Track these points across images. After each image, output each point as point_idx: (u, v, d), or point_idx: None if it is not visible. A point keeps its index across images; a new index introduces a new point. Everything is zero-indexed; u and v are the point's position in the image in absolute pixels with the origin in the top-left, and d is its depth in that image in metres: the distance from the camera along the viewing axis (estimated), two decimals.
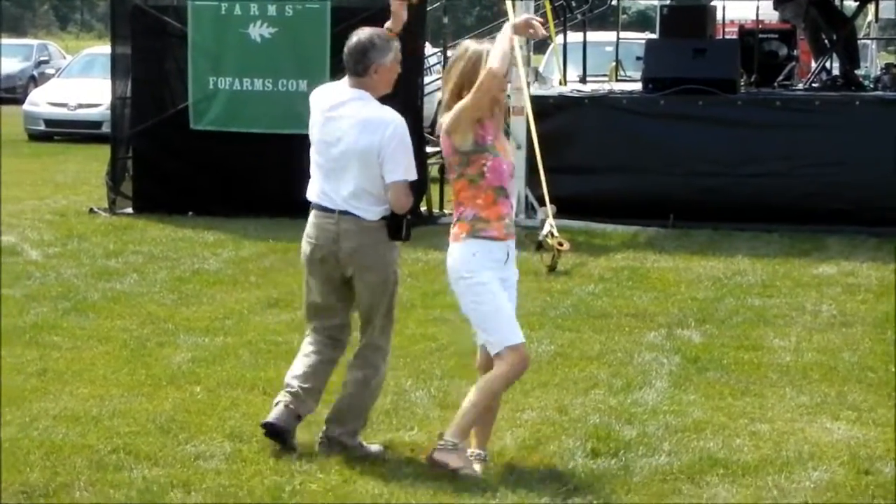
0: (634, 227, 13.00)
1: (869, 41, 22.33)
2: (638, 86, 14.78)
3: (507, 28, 6.08)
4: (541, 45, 20.82)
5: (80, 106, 23.56)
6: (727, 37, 18.58)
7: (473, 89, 5.93)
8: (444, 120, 6.04)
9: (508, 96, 10.13)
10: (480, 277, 5.97)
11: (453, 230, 6.10)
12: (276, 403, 6.35)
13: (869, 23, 22.32)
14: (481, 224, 6.00)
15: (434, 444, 6.07)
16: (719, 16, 17.23)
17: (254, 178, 13.87)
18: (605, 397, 7.31)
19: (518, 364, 6.03)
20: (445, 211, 13.77)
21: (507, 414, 6.75)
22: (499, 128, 6.15)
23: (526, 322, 6.93)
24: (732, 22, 19.94)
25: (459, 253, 6.03)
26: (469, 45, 6.13)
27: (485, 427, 6.20)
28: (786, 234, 12.69)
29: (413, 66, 13.74)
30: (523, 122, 12.59)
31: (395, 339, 8.45)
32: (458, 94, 6.01)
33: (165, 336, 8.69)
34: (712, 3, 17.80)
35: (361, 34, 6.36)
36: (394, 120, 6.22)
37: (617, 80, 17.73)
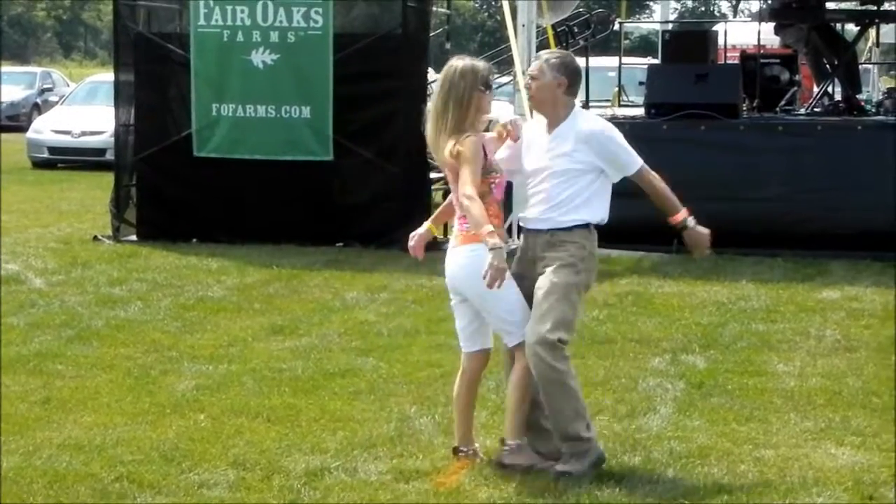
0: (639, 253, 13.02)
1: (870, 66, 22.36)
2: (641, 111, 14.80)
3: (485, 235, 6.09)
4: None
5: (84, 133, 23.61)
6: (729, 62, 18.60)
7: (464, 164, 6.10)
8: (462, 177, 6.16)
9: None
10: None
11: (459, 237, 6.33)
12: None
13: (870, 47, 22.36)
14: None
15: (500, 451, 6.37)
16: (721, 41, 17.25)
17: (257, 204, 13.88)
18: (609, 423, 7.29)
19: None
20: (449, 237, 13.75)
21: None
22: (491, 139, 6.39)
23: None
24: (734, 47, 19.97)
25: (479, 252, 6.16)
26: (454, 62, 6.29)
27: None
28: (789, 259, 12.68)
29: (417, 93, 13.79)
30: None
31: (399, 366, 8.56)
32: (443, 109, 6.20)
33: (169, 364, 8.68)
34: (714, 29, 17.85)
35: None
36: None
37: (620, 106, 17.74)
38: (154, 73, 14.33)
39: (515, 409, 6.35)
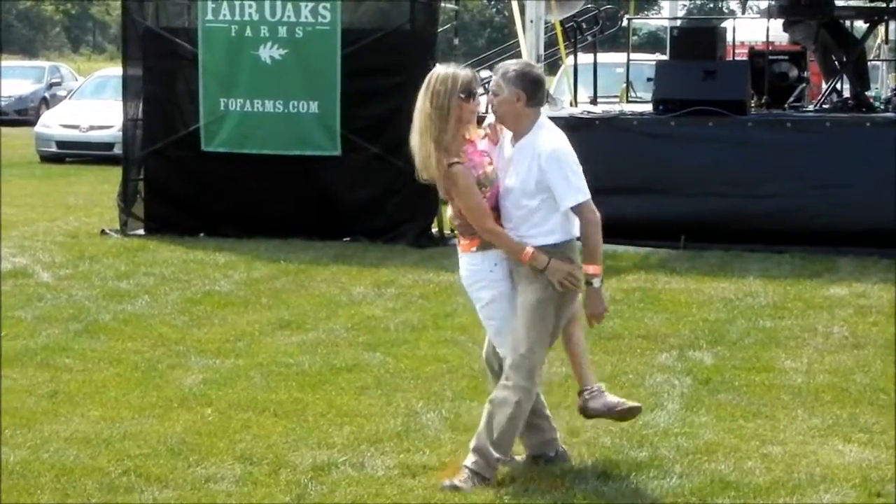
0: (646, 249, 13.00)
1: (879, 62, 22.27)
2: (649, 107, 14.75)
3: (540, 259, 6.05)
4: (552, 66, 20.85)
5: (92, 128, 23.59)
6: (737, 58, 18.57)
7: (462, 198, 6.03)
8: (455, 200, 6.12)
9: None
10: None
11: (463, 242, 6.27)
12: None
13: (879, 44, 22.28)
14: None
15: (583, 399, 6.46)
16: (729, 37, 17.20)
17: (265, 199, 13.88)
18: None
19: None
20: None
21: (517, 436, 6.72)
22: (476, 145, 6.20)
23: None
24: (742, 43, 19.92)
25: (476, 264, 6.19)
26: (436, 69, 6.18)
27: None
28: (797, 256, 12.65)
29: None
30: None
31: (406, 361, 8.56)
32: (424, 118, 6.07)
33: (176, 358, 8.69)
34: (722, 25, 17.79)
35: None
36: None
37: (628, 102, 17.73)
38: (162, 67, 14.33)
39: (579, 362, 6.43)
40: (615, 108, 15.50)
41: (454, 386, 7.94)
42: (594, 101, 16.23)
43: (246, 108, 13.89)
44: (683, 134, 13.59)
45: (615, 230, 12.78)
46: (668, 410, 7.46)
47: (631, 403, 6.51)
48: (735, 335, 9.48)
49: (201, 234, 13.89)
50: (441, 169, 6.07)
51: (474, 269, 6.24)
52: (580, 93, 16.12)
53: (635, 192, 13.43)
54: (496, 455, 6.15)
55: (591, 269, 6.14)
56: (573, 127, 13.87)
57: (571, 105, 15.62)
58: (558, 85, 20.49)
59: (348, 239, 13.48)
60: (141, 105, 14.45)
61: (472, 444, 6.23)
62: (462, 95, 6.05)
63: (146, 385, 7.98)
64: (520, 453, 6.51)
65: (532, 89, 6.12)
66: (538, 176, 6.06)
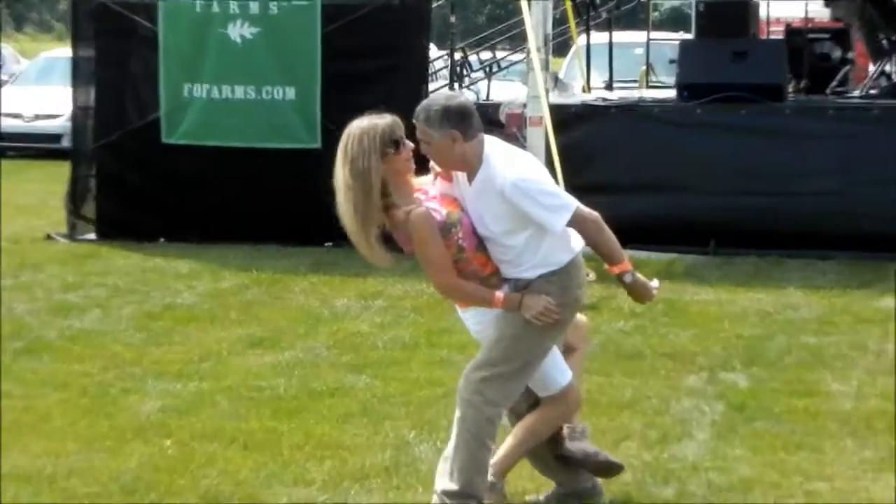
0: (670, 255, 13.02)
1: None
2: (672, 93, 14.79)
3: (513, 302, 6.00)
4: (562, 48, 20.82)
5: (38, 117, 23.70)
6: (772, 37, 18.58)
7: (421, 250, 5.95)
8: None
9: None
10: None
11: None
12: None
13: None
14: (494, 280, 6.08)
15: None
16: (763, 13, 17.23)
17: (234, 199, 13.88)
18: (638, 451, 7.25)
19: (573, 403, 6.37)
20: None
21: (529, 470, 6.68)
22: (427, 192, 6.07)
23: None
24: (778, 20, 19.98)
25: (483, 310, 6.15)
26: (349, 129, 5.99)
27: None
28: (844, 262, 12.64)
29: (416, 73, 13.74)
30: (541, 135, 12.53)
31: (396, 384, 8.52)
32: (350, 194, 5.94)
33: (132, 381, 8.65)
34: None
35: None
36: None
37: (648, 87, 17.74)
38: (117, 48, 14.33)
39: (515, 445, 6.35)
40: (633, 95, 15.49)
41: (450, 413, 7.79)
42: (609, 87, 16.24)
43: (213, 95, 13.88)
44: (712, 123, 13.62)
45: (635, 234, 12.81)
46: (698, 441, 7.42)
47: (613, 459, 6.48)
48: (773, 354, 9.45)
49: (161, 239, 13.91)
50: (397, 225, 5.96)
51: (483, 318, 6.16)
52: (594, 77, 16.12)
53: (657, 191, 13.43)
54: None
55: (615, 269, 6.12)
56: (585, 116, 13.96)
57: (584, 91, 15.60)
58: (569, 68, 20.51)
59: (330, 244, 13.43)
60: (93, 91, 14.46)
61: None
62: (389, 150, 5.90)
63: (96, 413, 7.93)
64: (544, 487, 6.49)
65: (464, 122, 5.96)
66: (510, 212, 5.96)
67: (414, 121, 5.96)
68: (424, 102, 6.04)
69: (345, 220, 6.01)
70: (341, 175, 5.97)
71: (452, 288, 6.06)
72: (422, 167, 6.12)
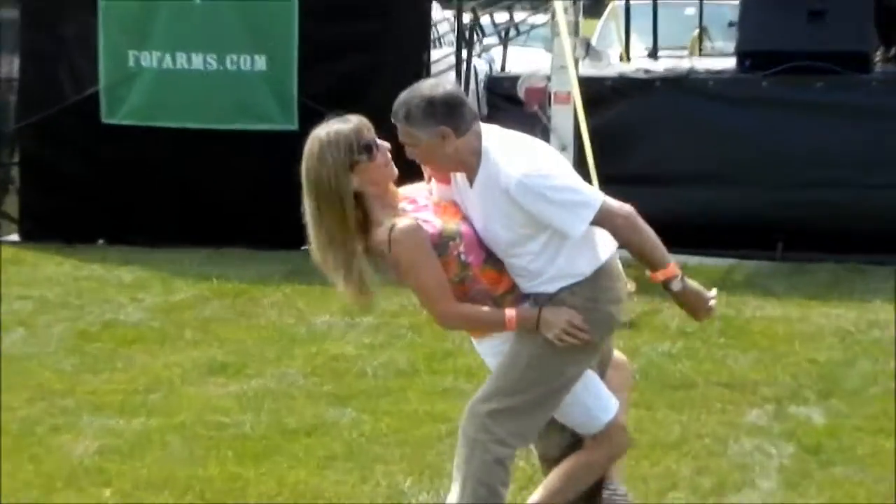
0: (728, 260, 13.05)
1: None
2: (731, 62, 14.77)
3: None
4: (594, 8, 20.82)
5: None
6: None
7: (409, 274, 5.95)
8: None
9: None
10: None
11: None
12: None
13: None
14: (509, 298, 6.03)
15: None
16: None
17: (190, 192, 13.91)
18: (688, 502, 7.25)
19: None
20: None
21: None
22: (417, 201, 6.09)
23: None
24: None
25: (501, 338, 6.13)
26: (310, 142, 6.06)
27: None
28: None
29: (416, 38, 13.73)
30: (570, 114, 12.55)
31: (388, 419, 8.52)
32: (318, 216, 6.08)
33: (63, 417, 8.66)
34: None
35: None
36: None
37: (700, 55, 17.72)
38: (47, 8, 14.38)
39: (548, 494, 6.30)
40: (683, 65, 15.48)
41: (453, 455, 7.84)
42: (654, 55, 16.22)
43: (165, 65, 13.94)
44: (779, 99, 13.64)
45: (683, 236, 12.78)
46: (762, 490, 7.43)
47: None
48: (855, 383, 9.45)
49: (100, 241, 14.01)
50: (381, 247, 5.93)
51: (503, 348, 6.14)
52: (634, 44, 16.11)
53: (711, 182, 13.44)
54: None
55: (659, 276, 6.03)
56: (624, 91, 13.95)
57: (622, 61, 15.59)
58: (604, 33, 20.51)
59: (307, 247, 13.42)
60: (17, 61, 14.55)
61: None
62: (360, 158, 5.88)
63: (19, 455, 7.93)
64: None
65: (453, 115, 5.91)
66: (521, 214, 5.93)
67: (393, 120, 5.92)
68: (402, 97, 5.96)
69: (317, 257, 6.15)
70: (308, 206, 6.03)
71: (454, 317, 6.03)
72: (412, 172, 6.10)
